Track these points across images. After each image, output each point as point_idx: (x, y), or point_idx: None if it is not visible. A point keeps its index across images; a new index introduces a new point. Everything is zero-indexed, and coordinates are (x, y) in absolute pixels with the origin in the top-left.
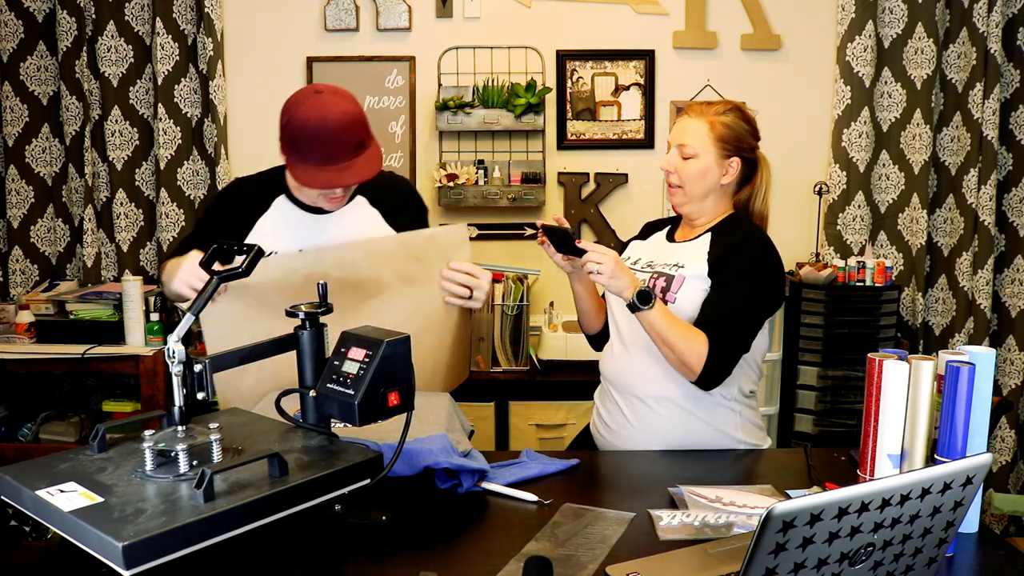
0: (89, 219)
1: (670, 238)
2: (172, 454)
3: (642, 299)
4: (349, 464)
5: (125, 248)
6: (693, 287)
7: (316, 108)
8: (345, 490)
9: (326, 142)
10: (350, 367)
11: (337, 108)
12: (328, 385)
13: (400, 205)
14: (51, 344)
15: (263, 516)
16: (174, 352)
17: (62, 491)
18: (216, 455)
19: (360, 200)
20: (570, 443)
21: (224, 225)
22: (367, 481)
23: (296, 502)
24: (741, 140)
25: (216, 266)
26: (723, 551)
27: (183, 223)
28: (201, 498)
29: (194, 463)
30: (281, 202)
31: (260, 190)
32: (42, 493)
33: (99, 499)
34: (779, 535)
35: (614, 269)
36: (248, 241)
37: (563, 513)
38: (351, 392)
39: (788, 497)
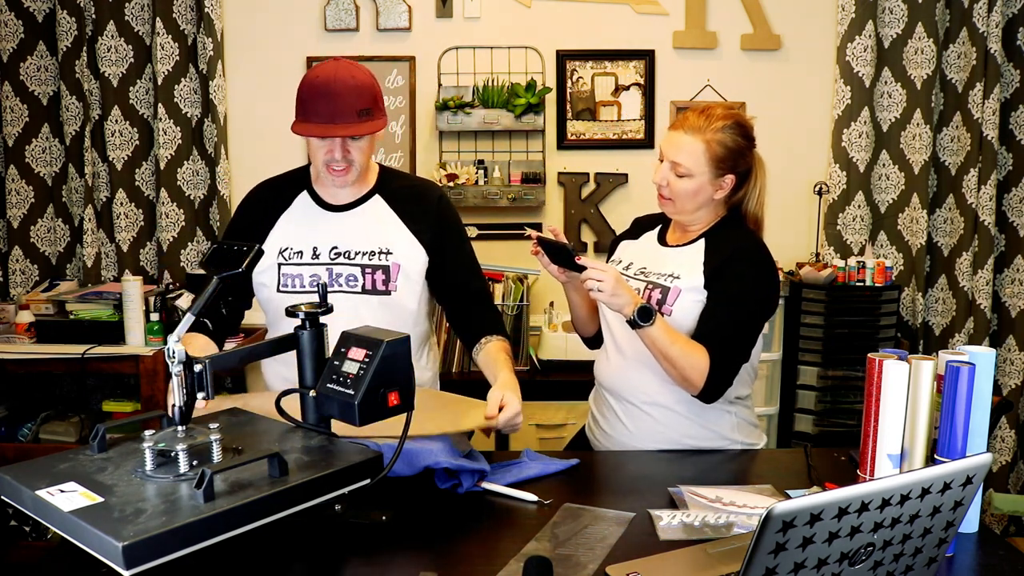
0: (89, 219)
1: (662, 240)
2: (172, 454)
3: (643, 316)
4: (349, 464)
5: (125, 248)
6: (689, 299)
7: (328, 69)
8: (345, 490)
9: (330, 98)
10: (350, 367)
11: (347, 72)
12: (328, 385)
13: (420, 213)
14: (51, 344)
15: (263, 516)
16: (174, 352)
17: (62, 491)
18: (216, 455)
19: (377, 199)
20: (566, 446)
21: (249, 228)
22: (367, 481)
23: (296, 502)
24: (737, 158)
25: None
26: (723, 551)
27: (183, 223)
28: (201, 498)
29: (194, 463)
30: (303, 198)
31: (283, 189)
32: (42, 493)
33: (99, 499)
34: (779, 535)
35: (614, 287)
36: (272, 236)
37: (563, 513)
38: (351, 392)
39: (788, 497)
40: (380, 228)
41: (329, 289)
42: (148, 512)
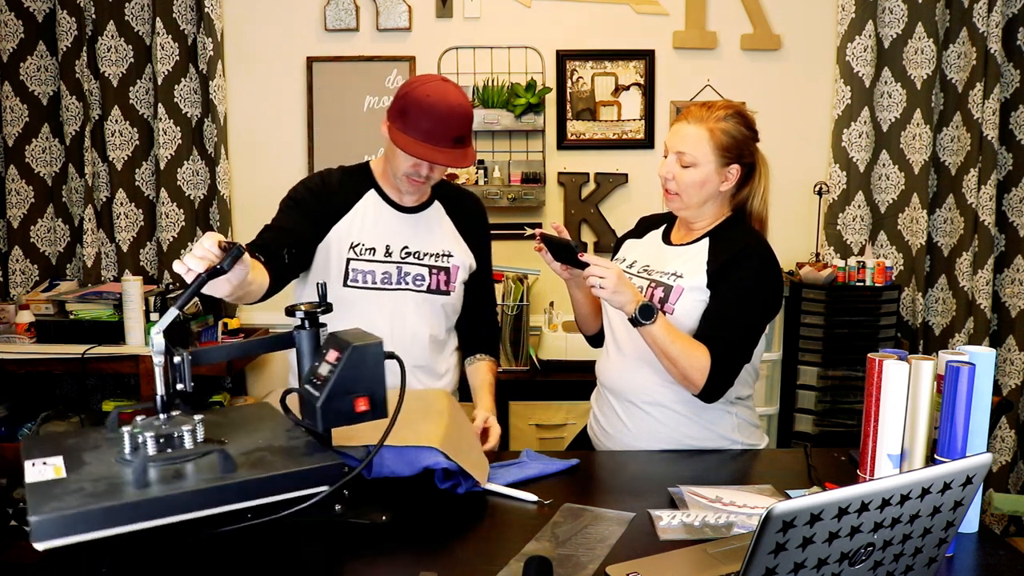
0: (89, 219)
1: (666, 239)
2: (141, 440)
3: (644, 314)
4: (302, 469)
5: (125, 248)
6: (691, 298)
7: (440, 89)
8: (296, 494)
9: (435, 120)
10: (324, 369)
11: (457, 98)
12: (305, 386)
13: (471, 221)
14: (51, 344)
15: (195, 508)
16: (154, 344)
17: (44, 463)
18: (188, 443)
19: (438, 206)
20: (568, 445)
21: (317, 208)
22: (325, 489)
23: (236, 499)
24: (742, 147)
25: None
26: (723, 551)
27: (183, 223)
28: (136, 484)
29: (168, 450)
30: (372, 196)
31: (353, 182)
32: (28, 464)
33: (63, 475)
34: (779, 535)
35: (616, 284)
36: (337, 228)
37: (563, 513)
38: (317, 395)
39: (788, 497)
40: (442, 232)
41: (397, 287)
42: (86, 492)
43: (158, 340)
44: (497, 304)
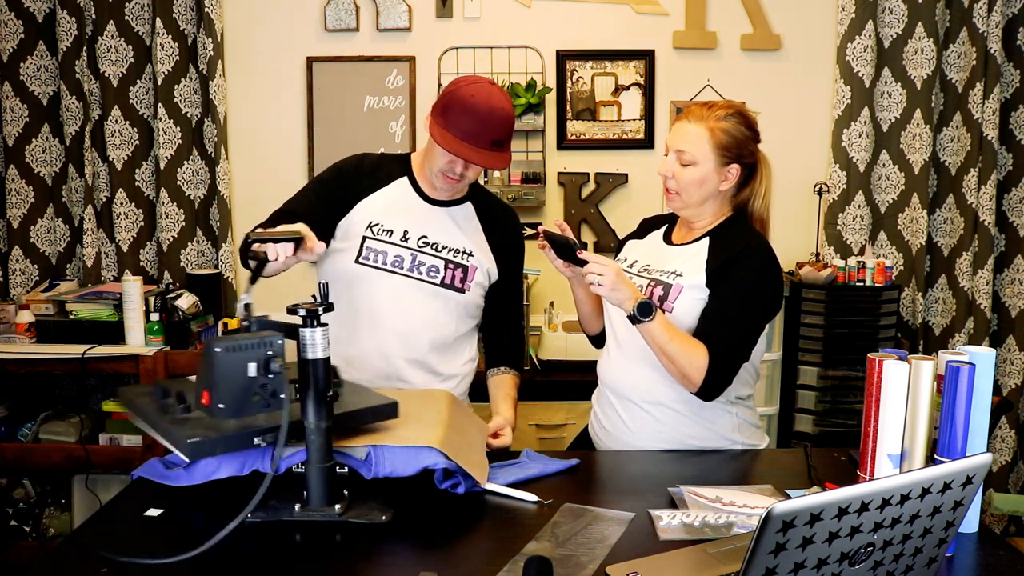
0: (89, 219)
1: (667, 239)
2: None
3: (643, 311)
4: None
5: (125, 248)
6: (690, 296)
7: (485, 91)
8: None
9: (476, 120)
10: None
11: (500, 102)
12: None
13: (503, 232)
14: (51, 344)
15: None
16: (238, 311)
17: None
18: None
19: (469, 207)
20: (570, 444)
21: (340, 189)
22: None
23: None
24: (742, 147)
25: None
26: (723, 551)
27: (183, 223)
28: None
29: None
30: (402, 183)
31: (384, 167)
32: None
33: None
34: (779, 535)
35: (615, 282)
36: (360, 206)
37: (563, 513)
38: None
39: (788, 497)
40: (466, 231)
41: (408, 273)
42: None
43: (240, 307)
44: (523, 322)
